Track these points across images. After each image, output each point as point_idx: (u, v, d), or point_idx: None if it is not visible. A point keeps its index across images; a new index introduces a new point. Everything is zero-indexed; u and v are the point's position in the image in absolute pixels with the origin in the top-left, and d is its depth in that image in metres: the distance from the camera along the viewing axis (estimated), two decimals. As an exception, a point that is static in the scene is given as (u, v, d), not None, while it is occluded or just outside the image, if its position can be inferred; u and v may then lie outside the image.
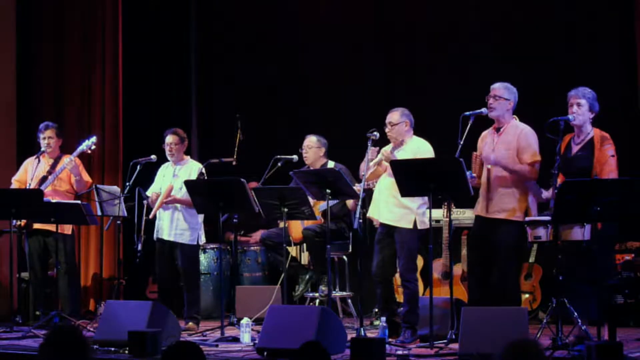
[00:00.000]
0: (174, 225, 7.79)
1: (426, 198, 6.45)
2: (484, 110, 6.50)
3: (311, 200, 7.00)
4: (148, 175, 8.02)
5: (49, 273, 8.14)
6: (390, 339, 6.24)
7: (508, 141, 6.45)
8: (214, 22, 10.42)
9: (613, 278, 6.79)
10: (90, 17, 9.76)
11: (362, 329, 6.47)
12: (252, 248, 8.95)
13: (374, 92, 9.29)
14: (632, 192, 5.62)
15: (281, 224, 7.73)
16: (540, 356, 3.40)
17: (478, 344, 5.44)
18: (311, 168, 7.87)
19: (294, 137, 8.26)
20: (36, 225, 7.91)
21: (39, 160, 8.01)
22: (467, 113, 6.43)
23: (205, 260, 8.83)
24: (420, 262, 7.84)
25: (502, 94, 6.49)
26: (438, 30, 9.20)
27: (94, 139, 8.08)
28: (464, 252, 8.02)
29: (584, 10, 8.63)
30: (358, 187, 6.65)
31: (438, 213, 7.58)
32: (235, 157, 8.50)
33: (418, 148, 6.68)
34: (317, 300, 7.95)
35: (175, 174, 7.87)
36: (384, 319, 6.33)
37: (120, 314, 6.45)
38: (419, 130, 6.86)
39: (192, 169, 7.87)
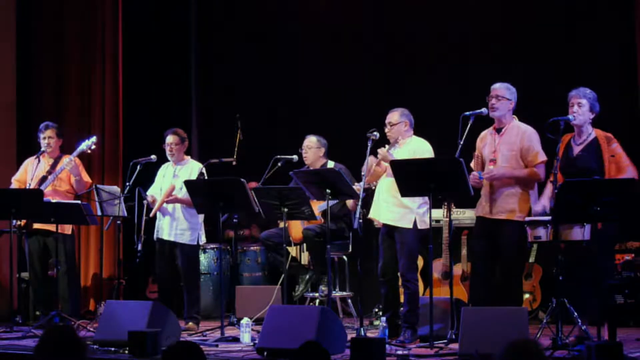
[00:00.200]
0: (174, 225, 7.79)
1: (426, 198, 6.45)
2: (484, 110, 6.50)
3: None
4: (148, 175, 8.02)
5: (49, 273, 8.14)
6: (390, 339, 6.24)
7: (511, 142, 6.45)
8: (214, 22, 10.42)
9: (613, 278, 6.78)
10: (90, 17, 9.76)
11: (362, 329, 6.47)
12: (252, 248, 8.95)
13: (374, 92, 9.29)
14: (632, 192, 5.62)
15: (281, 224, 7.73)
16: (540, 356, 3.40)
17: (478, 344, 5.43)
18: (311, 168, 7.87)
19: (294, 137, 8.26)
20: (36, 225, 7.91)
21: (39, 160, 8.02)
22: (467, 113, 6.43)
23: (205, 260, 8.83)
24: (420, 262, 7.85)
25: (504, 94, 6.49)
26: (438, 30, 9.21)
27: (93, 138, 8.09)
28: (464, 252, 8.02)
29: (584, 10, 8.63)
30: (358, 187, 6.65)
31: (438, 213, 7.58)
32: (235, 157, 8.50)
33: (418, 147, 6.67)
34: (317, 300, 7.95)
35: (176, 174, 7.87)
36: (384, 319, 6.34)
37: (120, 314, 6.45)
38: (419, 131, 6.86)
39: (193, 169, 7.87)
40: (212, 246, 8.76)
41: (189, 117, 10.22)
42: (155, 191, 7.92)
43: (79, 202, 7.63)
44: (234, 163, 8.40)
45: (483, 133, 6.66)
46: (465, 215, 8.01)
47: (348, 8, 9.66)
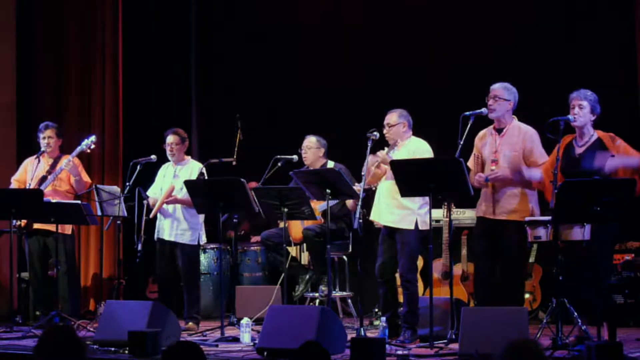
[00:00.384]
0: (175, 226, 7.79)
1: (426, 198, 6.44)
2: (484, 110, 6.50)
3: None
4: (148, 175, 8.02)
5: (49, 273, 8.14)
6: (390, 339, 6.24)
7: (512, 143, 6.45)
8: (214, 22, 10.42)
9: (613, 278, 6.79)
10: (90, 17, 9.76)
11: (362, 329, 6.47)
12: (252, 248, 8.95)
13: (374, 92, 9.29)
14: (632, 192, 5.62)
15: (281, 224, 7.73)
16: (540, 356, 3.40)
17: (478, 344, 5.43)
18: (311, 168, 7.87)
19: (294, 137, 8.26)
20: (36, 225, 7.91)
21: (39, 160, 8.02)
22: (467, 113, 6.42)
23: (205, 260, 8.83)
24: (420, 262, 7.85)
25: (502, 95, 6.49)
26: (438, 30, 9.21)
27: (93, 137, 8.08)
28: (464, 252, 8.03)
29: (584, 10, 8.63)
30: (358, 187, 6.65)
31: (438, 213, 7.58)
32: (235, 157, 8.49)
33: (417, 148, 6.67)
34: (317, 300, 7.95)
35: (176, 174, 7.87)
36: (384, 319, 6.34)
37: (120, 314, 6.45)
38: (419, 131, 6.85)
39: (193, 169, 7.87)
40: (212, 246, 8.76)
41: (189, 117, 10.22)
42: (156, 191, 7.92)
43: (79, 202, 7.63)
44: (234, 163, 8.40)
45: (482, 132, 6.65)
46: (465, 215, 8.01)
47: (348, 8, 9.66)
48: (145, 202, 7.84)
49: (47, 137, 8.09)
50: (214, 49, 10.38)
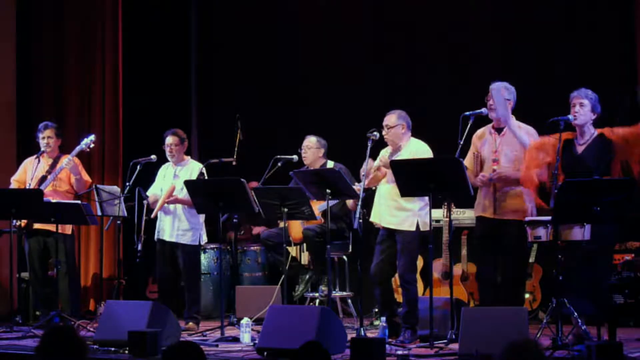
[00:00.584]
0: (176, 226, 7.79)
1: (426, 199, 6.45)
2: (484, 110, 6.50)
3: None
4: (148, 175, 8.02)
5: (49, 273, 8.13)
6: (390, 339, 6.24)
7: (513, 142, 6.45)
8: (214, 22, 10.42)
9: (613, 278, 6.79)
10: (90, 17, 9.77)
11: (362, 329, 6.47)
12: (252, 248, 8.95)
13: (373, 92, 9.29)
14: (632, 192, 5.61)
15: (281, 224, 7.73)
16: (540, 356, 3.40)
17: (478, 344, 5.43)
18: (310, 168, 7.87)
19: (294, 137, 8.26)
20: (36, 225, 7.91)
21: (38, 161, 8.02)
22: (467, 113, 6.43)
23: (205, 260, 8.83)
24: (420, 262, 7.85)
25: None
26: (438, 30, 9.21)
27: (92, 137, 8.08)
28: (464, 252, 8.02)
29: (584, 10, 8.63)
30: (358, 187, 6.65)
31: (438, 213, 7.58)
32: (235, 157, 8.49)
33: (417, 150, 6.66)
34: (317, 300, 7.95)
35: (176, 175, 7.87)
36: (384, 319, 6.33)
37: (120, 314, 6.45)
38: (418, 131, 6.85)
39: (193, 169, 7.87)
40: (212, 246, 8.75)
41: (189, 117, 10.22)
42: (156, 191, 7.92)
43: (79, 202, 7.64)
44: (234, 163, 8.40)
45: (480, 131, 6.64)
46: (465, 215, 8.01)
47: (348, 8, 9.65)
48: (145, 202, 7.84)
49: (46, 137, 8.08)
50: (214, 49, 10.38)
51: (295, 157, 7.99)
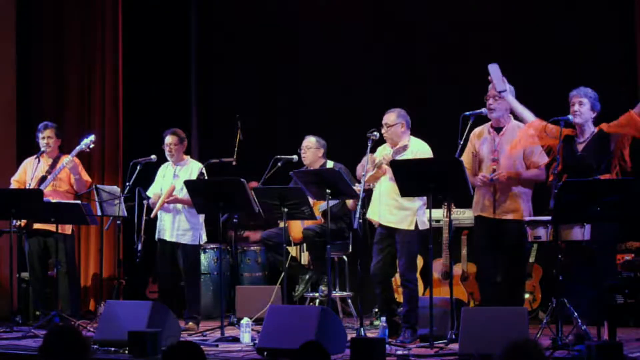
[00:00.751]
0: (176, 226, 7.79)
1: (425, 198, 6.45)
2: (484, 110, 6.50)
3: (311, 201, 7.00)
4: (148, 175, 8.02)
5: (49, 273, 8.13)
6: (390, 339, 6.24)
7: (512, 141, 6.45)
8: (214, 22, 10.42)
9: (614, 278, 6.78)
10: (90, 17, 9.76)
11: (362, 329, 6.47)
12: (252, 248, 8.95)
13: (373, 92, 9.28)
14: (632, 192, 5.61)
15: (281, 224, 7.73)
16: (540, 356, 3.40)
17: (478, 344, 5.43)
18: (310, 168, 7.87)
19: (294, 137, 8.26)
20: (36, 225, 7.91)
21: (38, 161, 8.02)
22: (467, 113, 6.43)
23: (205, 260, 8.83)
24: (420, 262, 7.85)
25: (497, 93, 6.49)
26: (438, 29, 9.20)
27: (92, 137, 8.08)
28: (464, 252, 8.03)
29: (584, 11, 8.63)
30: (358, 187, 6.65)
31: (438, 213, 7.58)
32: (235, 157, 8.49)
33: (418, 150, 6.66)
34: (317, 300, 7.95)
35: (176, 175, 7.87)
36: (384, 319, 6.34)
37: (120, 314, 6.45)
38: (419, 131, 6.85)
39: (192, 169, 7.87)
40: (212, 246, 8.75)
41: (189, 117, 10.22)
42: (156, 191, 7.92)
43: (79, 202, 7.63)
44: (234, 163, 8.40)
45: (479, 129, 6.62)
46: (465, 215, 8.01)
47: (348, 8, 9.65)
48: (145, 202, 7.84)
49: (46, 137, 8.09)
50: (214, 49, 10.38)
51: (295, 157, 7.99)
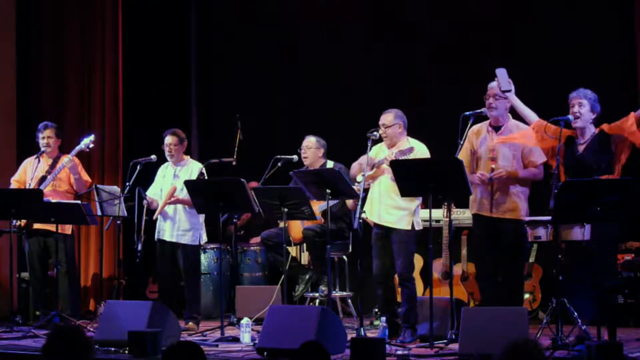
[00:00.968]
0: (176, 226, 7.79)
1: (421, 199, 6.45)
2: (484, 110, 6.50)
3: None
4: (148, 175, 8.02)
5: (49, 273, 8.13)
6: (390, 339, 6.24)
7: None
8: (214, 22, 10.42)
9: (613, 278, 6.79)
10: (90, 17, 9.76)
11: (362, 329, 6.47)
12: (252, 248, 8.95)
13: (374, 92, 9.29)
14: (632, 192, 5.61)
15: (281, 224, 7.73)
16: (540, 356, 3.40)
17: (478, 344, 5.43)
18: (310, 168, 7.87)
19: (294, 137, 8.26)
20: (36, 225, 7.91)
21: (38, 161, 8.02)
22: (467, 113, 6.43)
23: (205, 260, 8.83)
24: (420, 262, 7.85)
25: (502, 93, 6.49)
26: (438, 29, 9.21)
27: (92, 137, 8.08)
28: (464, 252, 8.02)
29: (584, 11, 8.63)
30: (358, 187, 6.65)
31: (438, 213, 7.57)
32: (235, 157, 8.49)
33: (417, 151, 6.65)
34: (317, 300, 7.95)
35: (176, 175, 7.87)
36: (384, 319, 6.34)
37: (120, 314, 6.45)
38: (419, 131, 6.85)
39: (192, 169, 7.87)
40: (212, 246, 8.75)
41: (189, 117, 10.22)
42: (156, 191, 7.92)
43: (79, 202, 7.64)
44: (234, 163, 8.40)
45: (477, 127, 6.61)
46: (465, 215, 8.00)
47: (348, 8, 9.65)
48: (145, 202, 7.84)
49: (46, 137, 8.09)
50: (213, 49, 10.38)
51: (295, 157, 7.99)
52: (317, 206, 7.49)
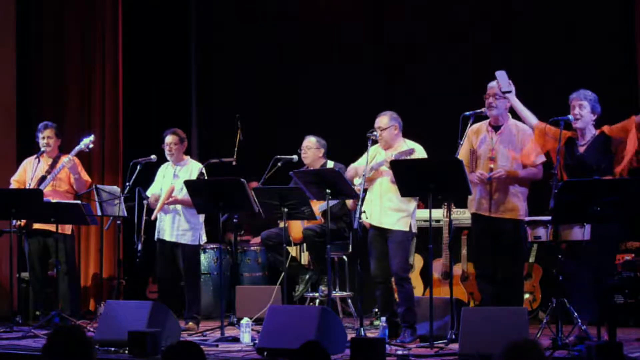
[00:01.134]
0: (176, 226, 7.79)
1: (417, 199, 6.46)
2: (484, 110, 6.50)
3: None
4: (148, 175, 8.02)
5: (49, 273, 8.14)
6: (390, 339, 6.24)
7: (510, 141, 6.45)
8: (214, 22, 10.42)
9: (613, 278, 6.80)
10: (90, 17, 9.77)
11: (362, 329, 6.47)
12: (252, 248, 8.95)
13: (373, 92, 9.28)
14: (632, 192, 5.61)
15: (281, 224, 7.73)
16: (540, 356, 3.39)
17: (478, 344, 5.43)
18: (310, 168, 7.87)
19: (294, 137, 8.25)
20: (36, 225, 7.91)
21: (38, 161, 8.02)
22: (467, 113, 6.44)
23: (205, 260, 8.83)
24: (420, 262, 7.85)
25: (502, 94, 6.49)
26: (438, 30, 9.21)
27: (91, 137, 8.09)
28: (464, 252, 8.02)
29: (584, 10, 8.63)
30: (358, 187, 6.65)
31: (438, 213, 7.57)
32: (235, 157, 8.50)
33: (417, 152, 6.64)
34: (317, 300, 7.96)
35: (176, 175, 7.87)
36: (384, 319, 6.34)
37: (120, 314, 6.45)
38: (418, 131, 6.85)
39: (192, 169, 7.87)
40: (212, 246, 8.76)
41: (189, 117, 10.22)
42: (156, 191, 7.92)
43: (79, 202, 7.64)
44: (234, 163, 8.40)
45: (477, 126, 6.61)
46: (465, 215, 7.98)
47: (348, 8, 9.66)
48: (145, 202, 7.84)
49: (46, 137, 8.09)
50: (214, 49, 10.38)
51: (295, 157, 7.99)
52: (317, 206, 7.49)
